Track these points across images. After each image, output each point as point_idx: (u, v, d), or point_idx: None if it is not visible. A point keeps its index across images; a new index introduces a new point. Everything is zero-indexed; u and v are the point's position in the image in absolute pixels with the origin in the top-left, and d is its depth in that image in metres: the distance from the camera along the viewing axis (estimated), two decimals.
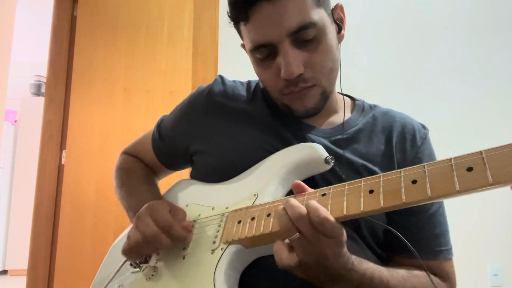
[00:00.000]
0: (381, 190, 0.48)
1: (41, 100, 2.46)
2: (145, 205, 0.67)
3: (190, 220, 0.68)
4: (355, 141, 0.72)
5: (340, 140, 0.71)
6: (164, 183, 0.90)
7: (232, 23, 0.71)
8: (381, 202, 0.47)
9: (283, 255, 0.50)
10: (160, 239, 0.61)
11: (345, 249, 0.51)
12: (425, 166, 0.46)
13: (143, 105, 2.24)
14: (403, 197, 0.45)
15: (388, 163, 0.70)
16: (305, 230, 0.48)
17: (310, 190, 0.56)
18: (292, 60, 0.64)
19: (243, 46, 0.76)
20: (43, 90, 3.61)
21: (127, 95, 2.27)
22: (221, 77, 0.83)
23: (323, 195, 0.53)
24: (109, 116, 2.26)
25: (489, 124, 2.11)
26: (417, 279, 0.63)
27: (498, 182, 0.40)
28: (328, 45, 0.67)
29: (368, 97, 0.84)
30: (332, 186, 0.53)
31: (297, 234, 0.49)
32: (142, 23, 2.34)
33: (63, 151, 2.27)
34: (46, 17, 2.56)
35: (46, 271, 2.14)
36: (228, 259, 0.59)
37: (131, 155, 0.93)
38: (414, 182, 0.46)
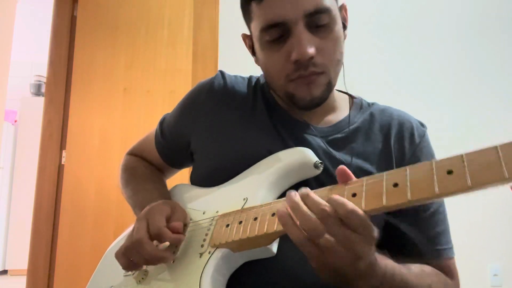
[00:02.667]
0: (364, 194, 0.47)
1: (41, 100, 2.46)
2: (146, 208, 0.66)
3: (188, 221, 0.68)
4: (352, 140, 0.71)
5: (337, 140, 0.71)
6: None
7: (241, 3, 0.70)
8: (363, 205, 0.46)
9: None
10: (143, 245, 0.59)
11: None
12: (407, 169, 0.46)
13: (143, 105, 2.24)
14: (384, 201, 0.45)
15: (385, 161, 0.70)
16: (334, 228, 0.45)
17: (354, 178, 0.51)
18: (306, 41, 0.63)
19: (245, 36, 0.75)
20: (43, 90, 3.60)
21: (127, 95, 2.27)
22: (222, 73, 0.82)
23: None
24: (109, 116, 2.26)
25: (493, 124, 2.11)
26: (430, 278, 0.63)
27: (477, 185, 0.39)
28: (338, 34, 0.67)
29: (369, 97, 0.83)
30: (316, 190, 0.52)
31: (326, 236, 0.45)
32: (142, 23, 2.33)
33: (63, 151, 2.27)
34: (46, 17, 2.56)
35: (46, 271, 2.14)
36: (215, 263, 0.58)
37: (135, 155, 0.92)
38: (395, 185, 0.45)
